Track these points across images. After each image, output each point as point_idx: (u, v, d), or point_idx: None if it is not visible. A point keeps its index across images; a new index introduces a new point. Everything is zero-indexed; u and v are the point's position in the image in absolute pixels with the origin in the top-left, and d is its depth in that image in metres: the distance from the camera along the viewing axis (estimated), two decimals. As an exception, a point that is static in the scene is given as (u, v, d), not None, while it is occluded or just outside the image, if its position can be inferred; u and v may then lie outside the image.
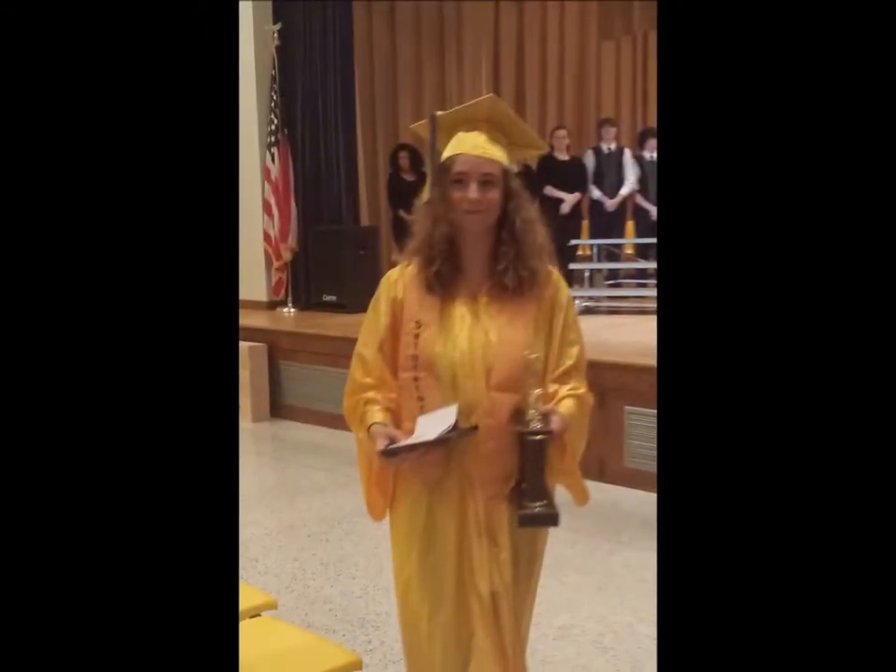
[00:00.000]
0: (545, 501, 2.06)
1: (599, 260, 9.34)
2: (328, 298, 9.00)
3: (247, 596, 2.58)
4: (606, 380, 5.38)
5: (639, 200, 9.25)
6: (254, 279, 9.42)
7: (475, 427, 2.08)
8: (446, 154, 2.16)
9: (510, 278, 2.13)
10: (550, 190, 8.80)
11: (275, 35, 9.06)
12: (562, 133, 9.15)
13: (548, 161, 8.76)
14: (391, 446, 2.05)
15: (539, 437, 2.03)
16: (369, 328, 2.24)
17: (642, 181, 9.14)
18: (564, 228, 8.43)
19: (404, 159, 9.22)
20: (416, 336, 2.14)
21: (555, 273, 2.23)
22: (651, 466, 5.16)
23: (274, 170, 9.16)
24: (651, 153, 9.13)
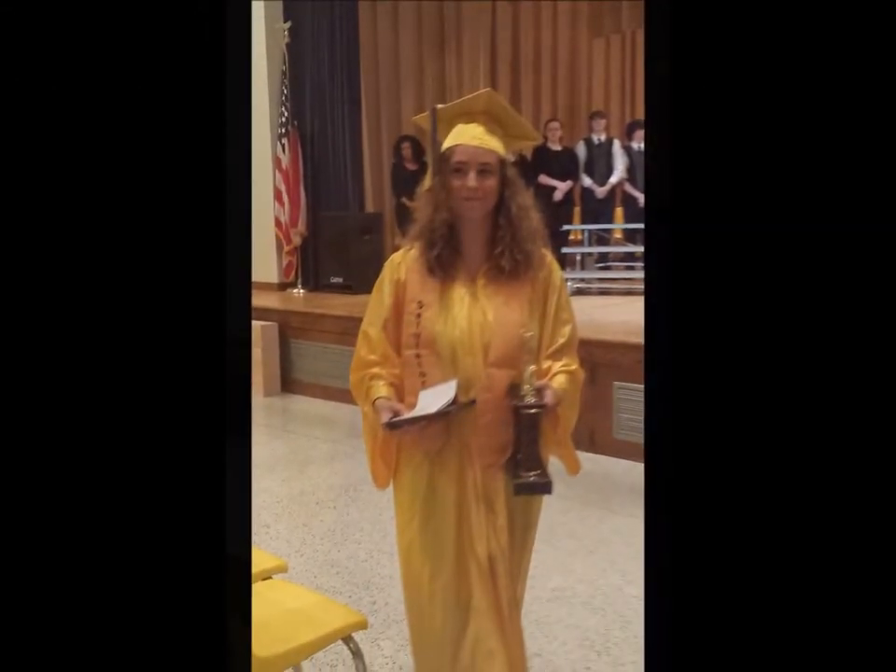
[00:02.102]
0: (539, 471, 2.06)
1: (590, 244, 9.31)
2: (335, 280, 9.01)
3: (259, 560, 2.58)
4: (596, 357, 5.38)
5: (628, 187, 9.23)
6: (266, 262, 9.42)
7: (473, 401, 2.08)
8: (446, 145, 2.15)
9: (506, 261, 2.12)
10: (544, 179, 8.79)
11: (286, 32, 9.03)
12: (555, 124, 9.13)
13: (542, 152, 8.78)
14: (395, 419, 2.05)
15: (533, 410, 2.03)
16: (373, 308, 2.24)
17: (630, 170, 9.12)
18: (557, 214, 8.44)
19: (407, 149, 9.18)
20: (418, 316, 2.13)
21: (549, 257, 2.22)
22: (639, 437, 5.16)
23: (285, 160, 9.15)
24: (638, 144, 9.10)
